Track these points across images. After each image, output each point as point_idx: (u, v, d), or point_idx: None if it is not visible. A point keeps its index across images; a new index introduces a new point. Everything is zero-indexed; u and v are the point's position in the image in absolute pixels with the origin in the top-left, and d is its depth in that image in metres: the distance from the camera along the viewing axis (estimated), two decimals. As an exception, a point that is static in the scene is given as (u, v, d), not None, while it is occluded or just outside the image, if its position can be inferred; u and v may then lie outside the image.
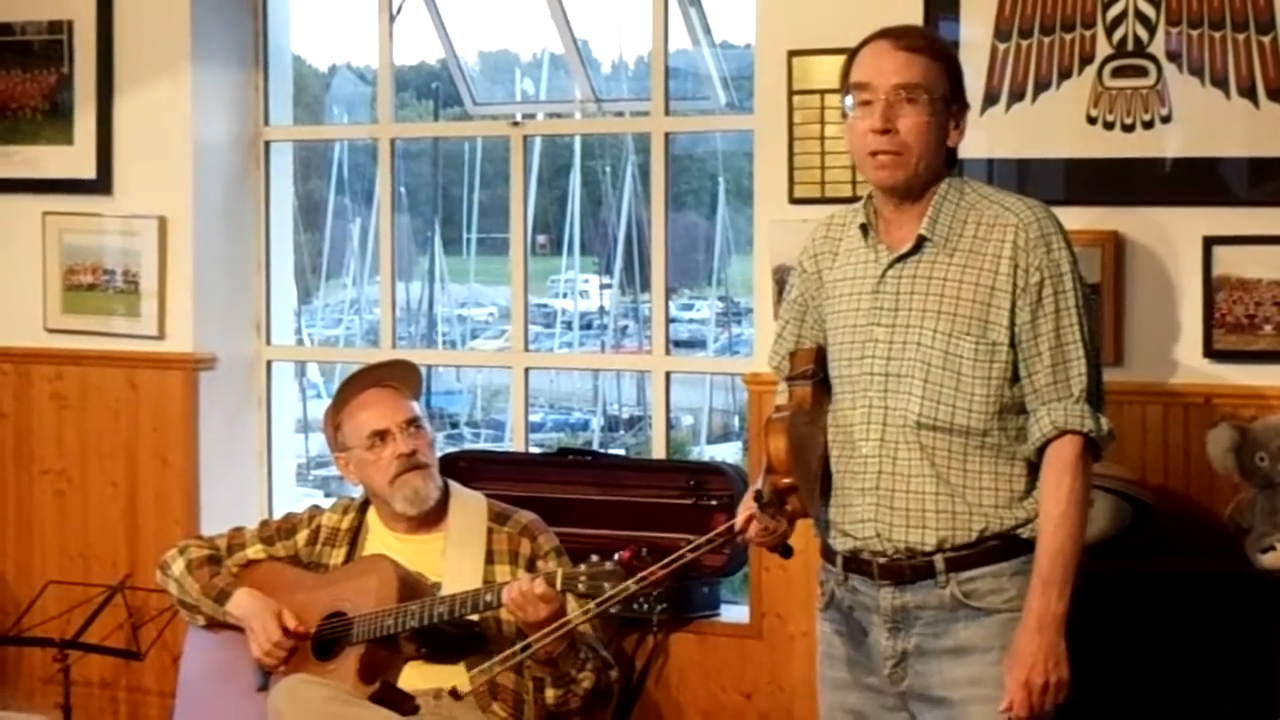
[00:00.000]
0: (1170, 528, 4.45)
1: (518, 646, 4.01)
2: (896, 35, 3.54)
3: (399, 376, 4.74)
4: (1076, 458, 3.42)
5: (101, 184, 5.95)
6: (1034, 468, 3.47)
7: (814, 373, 3.60)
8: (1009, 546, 3.46)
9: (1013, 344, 3.44)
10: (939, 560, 3.46)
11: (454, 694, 4.03)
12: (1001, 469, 3.47)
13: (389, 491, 4.56)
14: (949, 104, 3.50)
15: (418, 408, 4.67)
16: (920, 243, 3.50)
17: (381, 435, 4.58)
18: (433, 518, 4.59)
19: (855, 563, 3.55)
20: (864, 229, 3.58)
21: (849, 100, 3.54)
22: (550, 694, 4.35)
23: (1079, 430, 3.41)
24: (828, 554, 3.63)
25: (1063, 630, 3.39)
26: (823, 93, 4.91)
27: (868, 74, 3.51)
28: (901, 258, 3.51)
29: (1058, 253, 3.45)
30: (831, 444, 3.58)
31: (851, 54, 3.57)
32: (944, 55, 3.54)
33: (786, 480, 3.42)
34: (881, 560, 3.50)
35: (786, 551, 3.52)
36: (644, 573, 3.82)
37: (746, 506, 3.50)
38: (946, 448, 3.46)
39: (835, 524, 3.57)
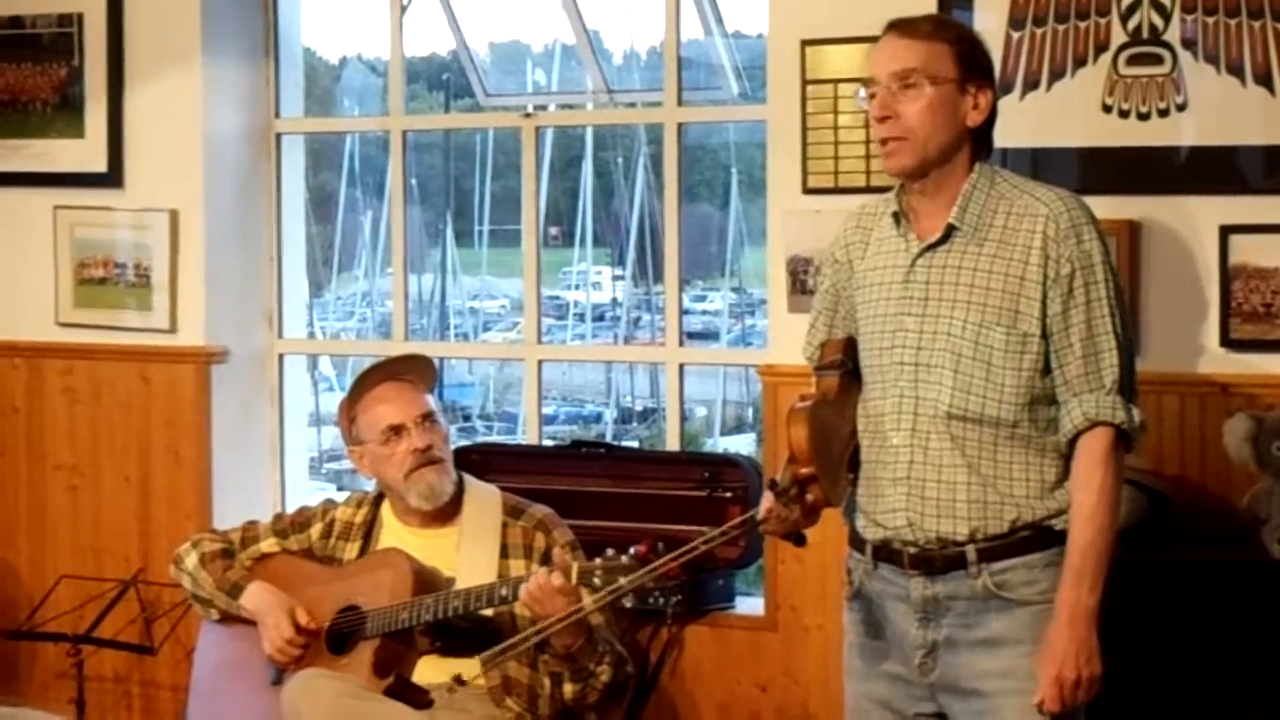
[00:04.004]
0: (1187, 518, 4.44)
1: (529, 631, 4.00)
2: (900, 25, 3.56)
3: (414, 370, 4.74)
4: (1108, 449, 3.41)
5: (112, 177, 5.95)
6: (1065, 458, 3.46)
7: (842, 363, 3.61)
8: (1041, 537, 3.45)
9: (1044, 335, 3.43)
10: (971, 551, 3.45)
11: (459, 680, 4.01)
12: (1032, 459, 3.46)
13: (403, 486, 4.56)
14: (961, 84, 3.49)
15: (432, 402, 4.66)
16: (950, 232, 3.49)
17: (396, 430, 4.57)
18: (447, 512, 4.58)
19: (885, 552, 3.54)
20: (896, 218, 3.57)
21: (862, 93, 3.56)
22: (569, 689, 4.34)
23: (1110, 422, 3.40)
24: (856, 543, 3.62)
25: (1095, 624, 3.38)
26: (836, 82, 4.90)
27: (871, 66, 3.55)
28: (931, 247, 3.50)
29: (1089, 243, 3.44)
30: (862, 434, 3.58)
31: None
32: (950, 38, 3.52)
33: (806, 470, 3.42)
34: (912, 550, 3.49)
35: (799, 540, 3.51)
36: (656, 563, 3.81)
37: (769, 496, 3.49)
38: (977, 438, 3.45)
39: (866, 513, 3.57)
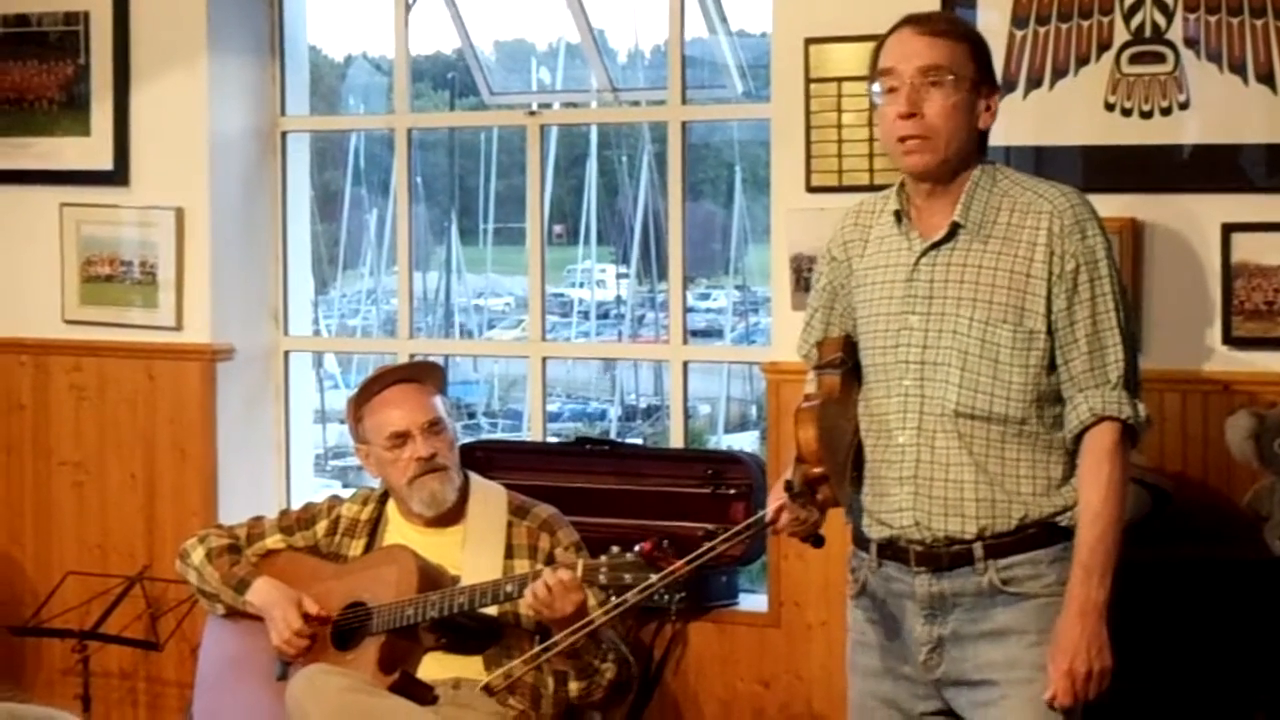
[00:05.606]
0: (1189, 515, 4.44)
1: (540, 648, 4.01)
2: (920, 21, 3.54)
3: (424, 374, 4.74)
4: (1115, 444, 3.41)
5: (118, 175, 5.96)
6: (1071, 455, 3.46)
7: (842, 361, 3.59)
8: (1048, 533, 3.46)
9: (1049, 331, 3.43)
10: (978, 548, 3.45)
11: (487, 690, 4.03)
12: (1039, 457, 3.46)
13: (406, 492, 4.56)
14: (977, 86, 3.49)
15: (440, 407, 4.64)
16: (954, 230, 3.48)
17: (401, 437, 4.56)
18: (452, 512, 4.58)
19: (891, 550, 3.54)
20: (897, 216, 3.56)
21: (876, 88, 3.53)
22: (574, 686, 4.35)
23: (1117, 417, 3.41)
24: (860, 541, 3.62)
25: (1104, 617, 3.39)
26: (840, 80, 4.91)
27: (893, 60, 3.50)
28: (935, 245, 3.50)
29: (1092, 239, 3.44)
30: (865, 433, 3.57)
31: (879, 43, 3.56)
32: (969, 38, 3.53)
33: (817, 470, 3.41)
34: (918, 548, 3.49)
35: (818, 541, 3.49)
36: (670, 569, 3.80)
37: (776, 497, 3.48)
38: (985, 436, 3.45)
39: (871, 512, 3.56)
